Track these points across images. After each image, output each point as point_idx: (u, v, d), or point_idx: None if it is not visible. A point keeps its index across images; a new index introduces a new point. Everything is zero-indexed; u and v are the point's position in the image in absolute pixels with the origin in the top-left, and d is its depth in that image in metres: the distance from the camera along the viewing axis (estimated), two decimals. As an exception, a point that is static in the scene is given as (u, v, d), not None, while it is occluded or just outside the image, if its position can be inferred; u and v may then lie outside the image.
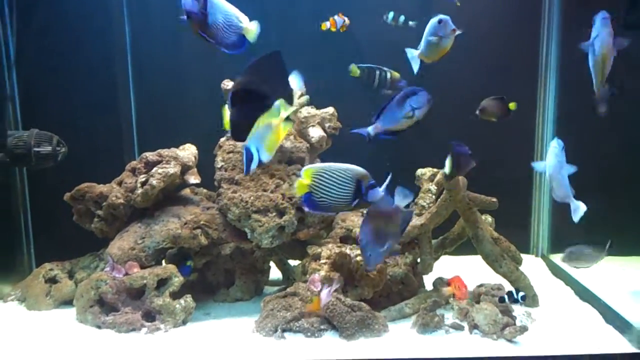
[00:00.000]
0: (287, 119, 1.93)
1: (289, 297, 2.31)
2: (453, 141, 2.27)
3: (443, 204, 2.48)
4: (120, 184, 2.66)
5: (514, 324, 2.16)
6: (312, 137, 2.70)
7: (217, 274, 2.68)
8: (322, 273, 2.33)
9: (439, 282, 2.52)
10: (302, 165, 2.60)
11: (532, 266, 2.56)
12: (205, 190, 2.83)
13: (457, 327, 2.24)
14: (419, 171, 2.77)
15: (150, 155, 2.62)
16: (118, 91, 3.19)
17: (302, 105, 2.73)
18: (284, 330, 2.20)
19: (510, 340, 2.11)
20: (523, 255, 2.70)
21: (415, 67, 2.24)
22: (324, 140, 2.72)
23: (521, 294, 2.32)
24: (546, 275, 2.98)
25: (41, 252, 3.11)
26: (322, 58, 3.13)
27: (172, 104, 3.23)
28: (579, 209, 2.09)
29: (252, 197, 2.46)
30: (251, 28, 2.00)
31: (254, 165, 1.87)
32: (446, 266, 2.59)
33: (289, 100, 1.92)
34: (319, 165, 1.94)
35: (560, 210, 3.02)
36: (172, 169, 2.56)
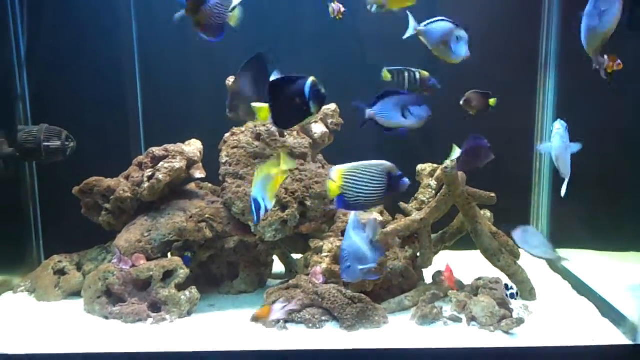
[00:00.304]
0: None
1: (292, 289, 2.36)
2: (472, 134, 2.30)
3: (442, 199, 2.52)
4: (127, 178, 2.70)
5: (511, 317, 2.20)
6: (315, 133, 2.73)
7: (222, 267, 2.72)
8: (324, 266, 2.38)
9: (438, 276, 2.56)
10: (305, 161, 2.64)
11: (530, 260, 2.59)
12: (210, 185, 2.87)
13: (455, 319, 2.28)
14: (419, 167, 2.82)
15: (156, 150, 2.65)
16: (125, 88, 3.23)
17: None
18: (286, 321, 2.25)
19: (507, 332, 2.15)
20: (521, 250, 2.73)
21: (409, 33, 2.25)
22: (326, 136, 2.76)
23: (511, 291, 2.38)
24: (544, 270, 3.01)
25: (50, 245, 3.14)
26: (324, 54, 3.16)
27: (177, 100, 3.27)
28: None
29: (255, 192, 2.50)
30: (234, 14, 2.01)
31: (262, 213, 1.94)
32: (445, 260, 2.62)
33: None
34: (347, 165, 1.90)
35: (559, 206, 3.05)
36: (178, 163, 2.60)
